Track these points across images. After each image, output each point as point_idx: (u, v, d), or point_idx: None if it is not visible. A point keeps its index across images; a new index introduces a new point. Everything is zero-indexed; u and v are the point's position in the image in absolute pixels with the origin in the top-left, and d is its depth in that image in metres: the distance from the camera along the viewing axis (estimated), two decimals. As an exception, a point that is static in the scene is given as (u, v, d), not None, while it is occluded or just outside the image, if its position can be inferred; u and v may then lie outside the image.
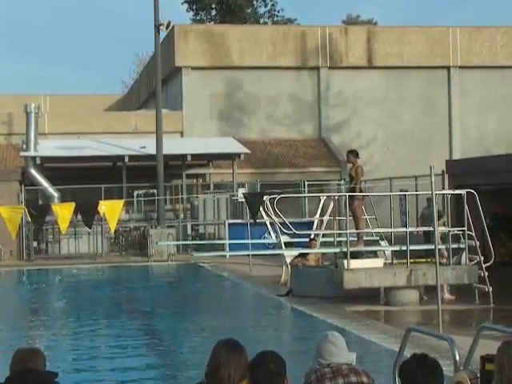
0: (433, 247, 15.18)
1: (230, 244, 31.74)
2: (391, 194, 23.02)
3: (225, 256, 31.36)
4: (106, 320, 17.42)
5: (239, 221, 32.50)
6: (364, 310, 16.95)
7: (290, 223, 19.35)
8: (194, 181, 41.27)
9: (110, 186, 35.22)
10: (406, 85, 44.86)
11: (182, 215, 36.23)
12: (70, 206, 13.70)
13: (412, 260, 18.27)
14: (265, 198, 19.43)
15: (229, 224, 33.21)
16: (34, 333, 16.18)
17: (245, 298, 22.47)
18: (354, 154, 19.26)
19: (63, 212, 13.85)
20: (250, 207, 18.93)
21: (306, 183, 35.79)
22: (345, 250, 17.96)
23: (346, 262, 17.53)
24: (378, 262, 18.30)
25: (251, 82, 43.60)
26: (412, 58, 44.77)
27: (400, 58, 44.80)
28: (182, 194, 36.97)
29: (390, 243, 19.84)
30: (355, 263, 17.64)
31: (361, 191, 19.11)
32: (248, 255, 27.05)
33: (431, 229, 16.87)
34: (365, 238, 21.59)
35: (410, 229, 19.27)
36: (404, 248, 18.22)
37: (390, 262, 18.90)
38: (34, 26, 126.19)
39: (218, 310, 18.90)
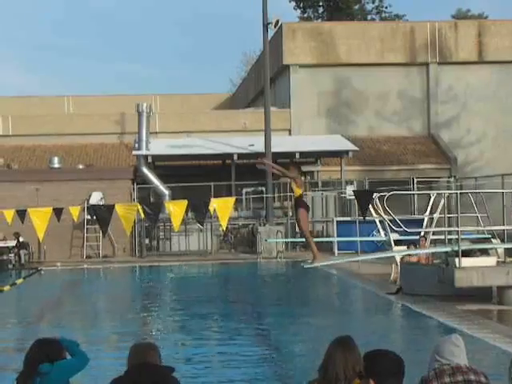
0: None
1: (338, 241, 31.66)
2: (503, 191, 22.61)
3: (333, 253, 31.35)
4: (216, 316, 17.57)
5: (348, 218, 32.40)
6: (476, 309, 16.69)
7: (400, 221, 19.23)
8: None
9: (219, 183, 35.62)
10: (519, 79, 43.87)
11: (290, 213, 36.33)
12: (182, 204, 13.93)
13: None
14: (374, 195, 19.31)
15: (337, 221, 33.12)
16: (146, 328, 16.48)
17: (354, 295, 22.41)
18: (296, 166, 18.26)
19: (176, 209, 14.08)
20: (359, 204, 18.83)
21: (415, 180, 35.40)
22: (456, 248, 17.74)
23: (457, 260, 17.30)
24: (490, 261, 18.00)
25: (359, 79, 43.42)
26: (524, 51, 43.74)
27: (512, 52, 43.84)
28: (290, 192, 37.04)
29: (503, 241, 19.48)
30: (467, 261, 17.40)
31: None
32: (357, 252, 26.99)
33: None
34: (476, 236, 21.30)
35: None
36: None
37: (502, 260, 18.57)
38: (144, 28, 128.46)
39: (328, 307, 18.92)
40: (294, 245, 34.79)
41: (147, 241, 35.87)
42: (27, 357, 6.69)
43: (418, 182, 35.13)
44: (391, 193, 19.59)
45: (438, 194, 24.56)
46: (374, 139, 43.32)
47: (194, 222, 30.51)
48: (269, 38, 37.34)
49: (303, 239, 34.46)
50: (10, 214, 15.57)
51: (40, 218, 15.37)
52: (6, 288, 24.28)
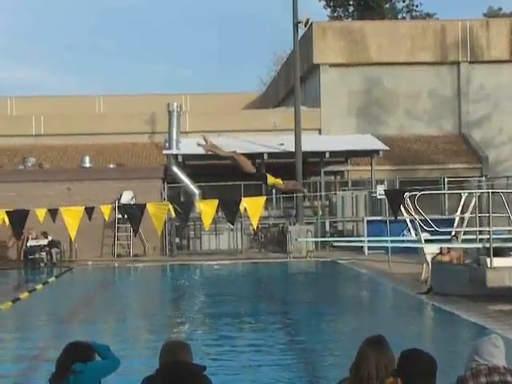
0: None
1: (368, 241, 31.59)
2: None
3: (363, 253, 31.28)
4: (246, 316, 17.56)
5: (378, 218, 32.32)
6: (508, 309, 16.58)
7: (431, 220, 19.15)
8: (332, 178, 41.28)
9: (250, 183, 35.58)
10: (552, 78, 43.51)
11: (320, 212, 36.31)
12: (213, 203, 13.97)
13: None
14: (405, 194, 19.25)
15: (367, 221, 33.04)
16: (177, 326, 16.51)
17: (384, 295, 22.36)
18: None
19: (207, 209, 14.13)
20: (390, 204, 18.76)
21: (446, 180, 35.24)
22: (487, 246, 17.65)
23: (489, 260, 17.21)
24: (522, 261, 17.88)
25: (389, 78, 43.28)
26: (558, 50, 43.37)
27: (545, 51, 43.48)
28: (320, 191, 37.05)
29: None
30: (499, 261, 17.31)
31: None
32: (387, 253, 26.91)
33: None
34: (507, 236, 21.18)
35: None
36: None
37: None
38: (175, 28, 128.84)
39: (358, 307, 18.91)
40: (324, 244, 34.74)
41: (177, 240, 35.97)
42: (59, 360, 6.78)
43: (448, 181, 34.97)
44: (422, 192, 19.55)
45: (469, 193, 24.47)
46: (404, 138, 43.17)
47: (225, 221, 30.56)
48: (299, 38, 37.31)
49: (334, 239, 34.67)
50: (41, 213, 15.68)
51: (72, 217, 15.46)
52: (39, 287, 24.56)
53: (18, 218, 14.78)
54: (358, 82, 43.42)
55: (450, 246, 21.12)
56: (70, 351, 6.85)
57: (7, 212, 14.74)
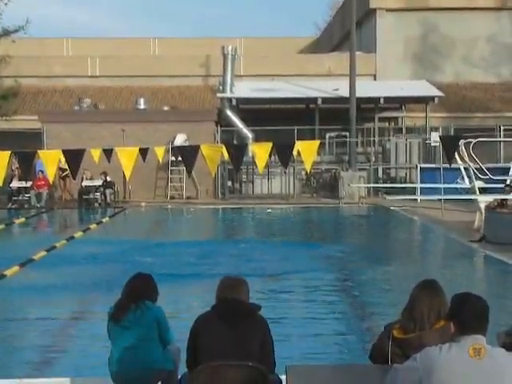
0: None
1: (421, 188, 31.41)
2: None
3: (416, 200, 31.13)
4: (294, 259, 17.51)
5: (432, 165, 32.09)
6: (562, 258, 16.48)
7: (486, 168, 18.99)
8: (386, 124, 40.97)
9: (303, 127, 35.56)
10: None
11: (373, 158, 36.14)
12: (267, 146, 13.92)
13: None
14: (460, 142, 19.06)
15: (421, 168, 32.84)
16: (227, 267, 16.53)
17: (436, 242, 22.29)
18: None
19: (261, 151, 14.09)
20: (445, 151, 18.58)
21: (502, 128, 34.80)
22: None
23: (543, 208, 17.05)
24: None
25: (447, 24, 42.61)
26: None
27: None
28: (373, 137, 36.85)
29: None
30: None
31: None
32: (440, 200, 26.75)
33: None
34: None
35: None
36: None
37: None
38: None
39: (409, 253, 18.89)
40: (376, 191, 34.65)
41: (230, 183, 36.14)
42: (130, 286, 6.88)
43: (505, 129, 34.55)
44: (477, 139, 19.37)
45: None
46: (460, 85, 42.61)
47: (277, 166, 30.63)
48: (356, -19, 36.82)
49: (386, 185, 34.53)
50: (96, 153, 15.75)
51: (127, 158, 15.51)
52: (93, 226, 24.96)
53: (74, 158, 14.88)
54: (415, 28, 42.84)
55: (504, 197, 20.87)
56: (139, 281, 6.94)
57: (63, 151, 14.83)
